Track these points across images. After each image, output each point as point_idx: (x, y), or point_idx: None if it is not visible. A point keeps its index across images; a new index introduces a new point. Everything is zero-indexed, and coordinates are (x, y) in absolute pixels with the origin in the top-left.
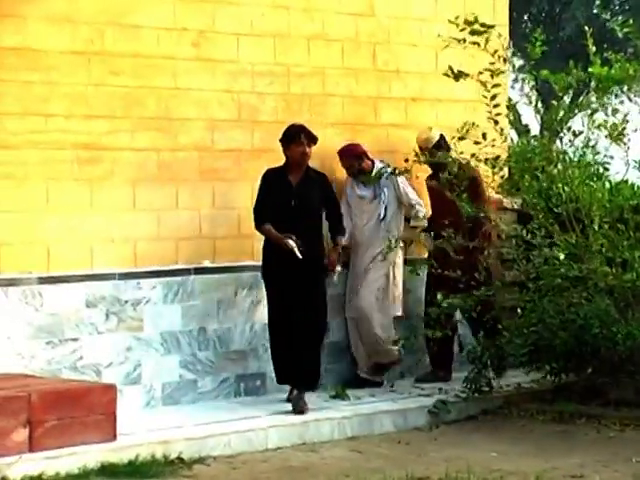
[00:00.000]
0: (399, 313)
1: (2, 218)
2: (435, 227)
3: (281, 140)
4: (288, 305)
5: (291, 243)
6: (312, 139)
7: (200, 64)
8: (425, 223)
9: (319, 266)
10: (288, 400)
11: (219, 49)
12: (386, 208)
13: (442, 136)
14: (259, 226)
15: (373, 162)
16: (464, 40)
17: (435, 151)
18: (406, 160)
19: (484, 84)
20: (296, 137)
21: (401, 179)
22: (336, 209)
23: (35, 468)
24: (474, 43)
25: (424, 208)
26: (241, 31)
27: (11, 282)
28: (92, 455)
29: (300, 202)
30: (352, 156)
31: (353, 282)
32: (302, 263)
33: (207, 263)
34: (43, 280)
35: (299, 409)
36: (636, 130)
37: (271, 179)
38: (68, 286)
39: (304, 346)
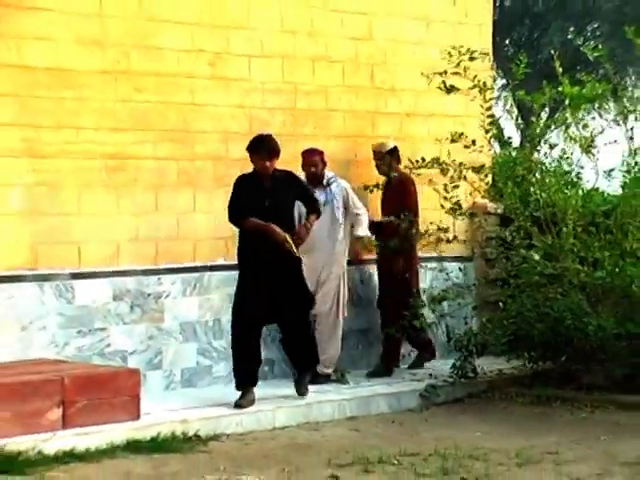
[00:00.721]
0: (346, 314)
1: (38, 220)
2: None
3: (246, 149)
4: (262, 297)
5: (287, 237)
6: (272, 152)
7: (215, 82)
8: (369, 233)
9: (294, 259)
10: (297, 387)
11: (232, 69)
12: (341, 213)
13: (396, 147)
14: (239, 220)
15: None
16: (445, 72)
17: (387, 156)
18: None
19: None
20: (256, 149)
21: (349, 187)
22: (311, 197)
23: (67, 444)
24: (456, 73)
25: (367, 217)
26: (252, 53)
27: (46, 277)
28: (118, 432)
29: (273, 201)
30: (312, 158)
31: (309, 283)
32: (279, 257)
33: (221, 261)
34: (74, 276)
35: (302, 393)
36: (605, 144)
37: (244, 183)
38: (97, 281)
39: (297, 338)
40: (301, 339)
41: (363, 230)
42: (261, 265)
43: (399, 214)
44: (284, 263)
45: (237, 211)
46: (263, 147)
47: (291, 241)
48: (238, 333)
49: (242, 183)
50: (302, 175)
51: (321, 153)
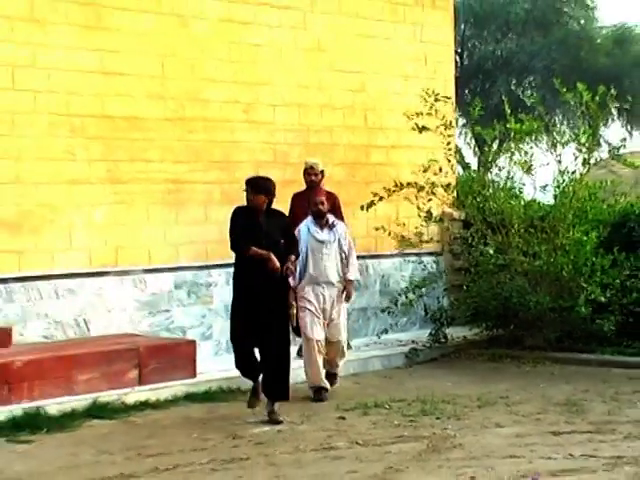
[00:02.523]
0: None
1: (118, 230)
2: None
3: (247, 186)
4: (252, 320)
5: (277, 263)
6: (258, 190)
7: (248, 125)
8: (359, 276)
9: (283, 291)
10: (269, 418)
11: (261, 114)
12: (346, 251)
13: (323, 171)
14: (243, 249)
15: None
16: (421, 113)
17: (320, 174)
18: (387, 190)
19: (445, 129)
20: (255, 187)
21: (348, 233)
22: (294, 238)
23: (142, 396)
24: (429, 114)
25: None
26: (276, 102)
27: (125, 272)
28: (180, 387)
29: (266, 235)
30: (319, 197)
31: (324, 313)
32: (270, 285)
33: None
34: (146, 271)
35: (274, 420)
36: (541, 165)
37: (242, 215)
38: (162, 274)
39: (274, 366)
40: (278, 367)
41: (355, 274)
42: (254, 291)
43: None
44: (274, 293)
45: (241, 239)
46: (262, 186)
47: (287, 269)
48: (236, 347)
49: (240, 215)
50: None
51: (326, 193)
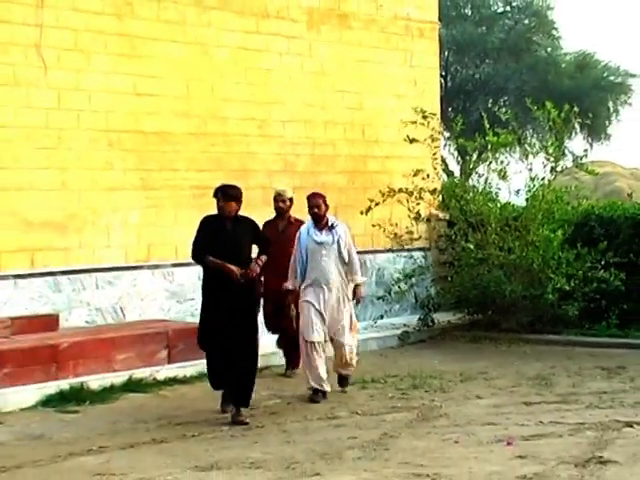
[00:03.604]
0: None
1: (150, 229)
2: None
3: (215, 194)
4: (222, 324)
5: (235, 270)
6: (229, 197)
7: (262, 138)
8: (365, 277)
9: (251, 297)
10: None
11: (273, 129)
12: (347, 253)
13: (291, 198)
14: (201, 258)
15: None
16: (415, 122)
17: (289, 201)
18: (382, 194)
19: (432, 141)
20: (224, 194)
21: (348, 230)
22: (266, 240)
23: (171, 373)
24: (421, 124)
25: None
26: (285, 119)
27: (156, 266)
28: (203, 365)
29: (233, 241)
30: (316, 200)
31: (325, 314)
32: (237, 292)
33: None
34: (174, 265)
35: (239, 422)
36: (514, 172)
37: (210, 224)
38: (188, 268)
39: (240, 373)
40: (243, 374)
41: (361, 276)
42: (219, 297)
43: None
44: (239, 298)
45: (199, 250)
46: (232, 194)
47: (250, 270)
48: (208, 353)
49: (207, 223)
50: (308, 217)
51: (323, 196)
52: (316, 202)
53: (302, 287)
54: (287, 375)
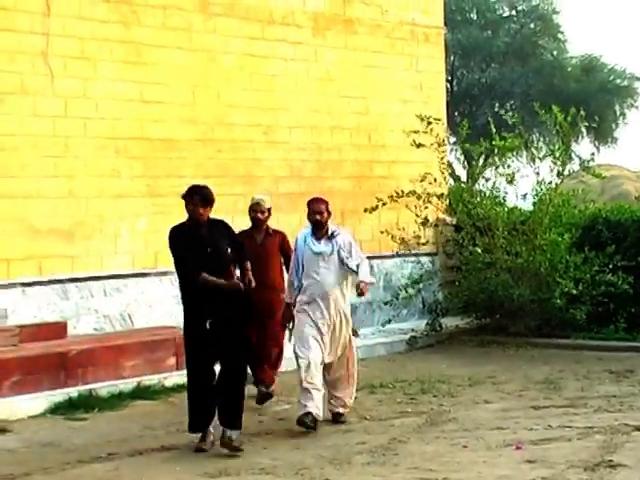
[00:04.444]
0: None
1: (157, 236)
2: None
3: (182, 196)
4: (208, 339)
5: (240, 284)
6: (207, 202)
7: (268, 144)
8: (373, 279)
9: (238, 307)
10: (221, 444)
11: (279, 135)
12: (348, 262)
13: (270, 209)
14: (195, 278)
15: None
16: (417, 131)
17: (267, 212)
18: (390, 197)
19: (439, 146)
20: (189, 196)
21: (352, 237)
22: (241, 244)
23: (180, 380)
24: (425, 132)
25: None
26: (291, 125)
27: (163, 273)
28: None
29: (214, 248)
30: (318, 206)
31: (322, 332)
32: (223, 306)
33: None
34: None
35: (234, 449)
36: (521, 176)
37: (183, 235)
38: None
39: (228, 392)
40: (232, 390)
41: (368, 275)
42: (208, 311)
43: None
44: (230, 312)
45: (192, 266)
46: (210, 197)
47: (249, 281)
48: (193, 381)
49: (180, 235)
50: (308, 224)
51: (326, 202)
52: (318, 208)
53: (297, 302)
54: (263, 393)
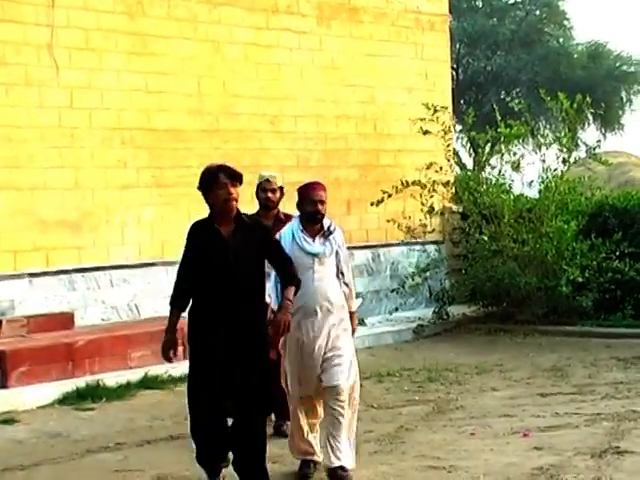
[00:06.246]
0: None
1: (163, 227)
2: None
3: (200, 187)
4: (218, 385)
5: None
6: (235, 177)
7: (274, 134)
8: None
9: (263, 339)
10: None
11: (285, 125)
12: (347, 266)
13: (282, 187)
14: (171, 305)
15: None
16: (424, 119)
17: (278, 190)
18: (395, 187)
19: (445, 133)
20: (215, 178)
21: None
22: (288, 257)
23: (187, 370)
24: (431, 120)
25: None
26: (297, 114)
27: (170, 263)
28: None
29: (237, 257)
30: (318, 192)
31: (317, 354)
32: (241, 336)
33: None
34: None
35: None
36: (528, 164)
37: (202, 236)
38: None
39: (247, 444)
40: (252, 448)
41: (355, 304)
42: (219, 344)
43: None
44: (251, 345)
45: (177, 296)
46: (220, 172)
47: (285, 323)
48: (196, 423)
49: (196, 233)
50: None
51: (325, 189)
52: (319, 195)
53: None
54: (281, 431)
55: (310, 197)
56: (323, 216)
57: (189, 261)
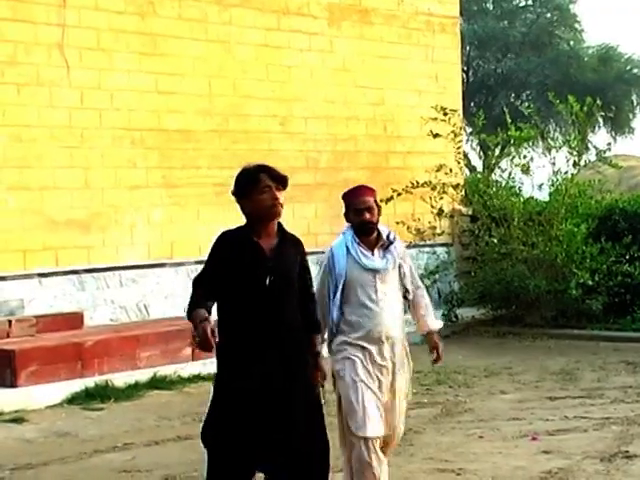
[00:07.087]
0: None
1: (173, 227)
2: None
3: (236, 192)
4: (254, 432)
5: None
6: (280, 180)
7: (284, 135)
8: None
9: (309, 378)
10: None
11: (295, 126)
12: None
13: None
14: (190, 312)
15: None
16: (435, 118)
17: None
18: (406, 188)
19: (455, 136)
20: (255, 181)
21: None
22: (310, 291)
23: (195, 370)
24: (442, 120)
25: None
26: (307, 115)
27: (179, 264)
28: None
29: (278, 277)
30: (364, 198)
31: (376, 389)
32: (286, 377)
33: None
34: (197, 262)
35: None
36: (537, 167)
37: (232, 243)
38: None
39: None
40: None
41: (435, 321)
42: (258, 387)
43: None
44: (296, 373)
45: (196, 299)
46: (262, 173)
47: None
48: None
49: (227, 243)
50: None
51: (374, 192)
52: (366, 202)
53: (336, 345)
54: None
55: (354, 205)
56: (375, 224)
57: (212, 276)
